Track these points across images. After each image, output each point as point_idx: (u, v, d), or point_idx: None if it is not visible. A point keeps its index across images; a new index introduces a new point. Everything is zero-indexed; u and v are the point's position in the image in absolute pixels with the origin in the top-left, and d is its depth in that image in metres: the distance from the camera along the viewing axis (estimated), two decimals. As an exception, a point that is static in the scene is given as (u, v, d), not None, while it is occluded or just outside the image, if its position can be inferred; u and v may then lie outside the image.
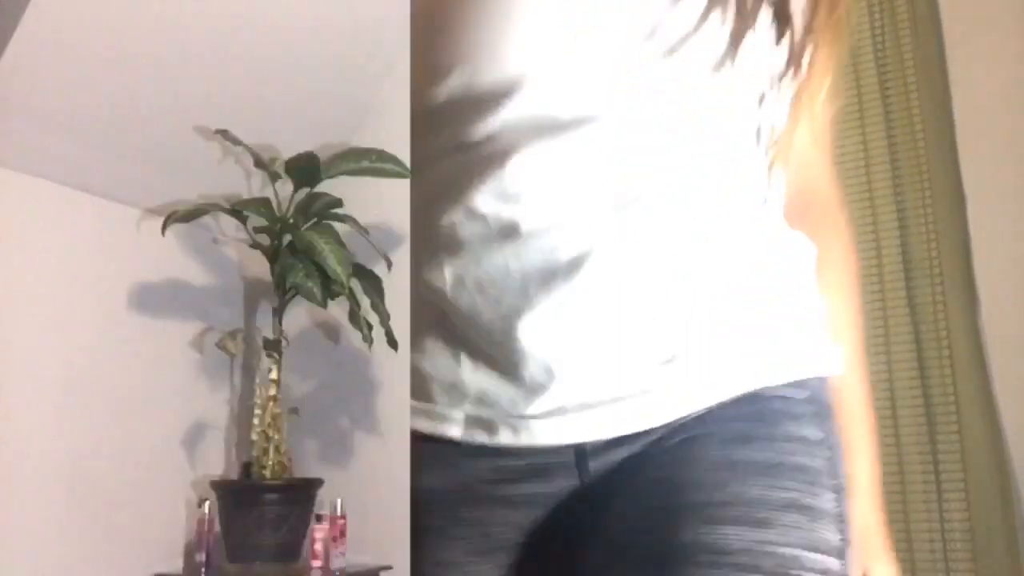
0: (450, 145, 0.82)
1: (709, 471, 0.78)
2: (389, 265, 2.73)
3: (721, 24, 0.78)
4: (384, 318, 2.65)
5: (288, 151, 2.74)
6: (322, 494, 2.66)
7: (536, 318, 0.79)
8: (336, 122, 3.09)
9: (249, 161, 2.76)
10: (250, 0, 2.58)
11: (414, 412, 0.91)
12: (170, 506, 2.68)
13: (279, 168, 2.68)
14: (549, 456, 0.84)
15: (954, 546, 2.06)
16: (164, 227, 2.53)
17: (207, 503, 2.57)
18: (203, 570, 2.51)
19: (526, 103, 0.78)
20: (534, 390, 0.82)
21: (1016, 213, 2.15)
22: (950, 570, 2.05)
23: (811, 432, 0.81)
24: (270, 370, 2.65)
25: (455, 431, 0.87)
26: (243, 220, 2.70)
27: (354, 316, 2.59)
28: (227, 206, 2.66)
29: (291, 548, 2.54)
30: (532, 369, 0.81)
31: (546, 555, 0.88)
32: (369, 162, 2.70)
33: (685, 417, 0.80)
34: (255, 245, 2.71)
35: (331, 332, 3.06)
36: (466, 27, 0.80)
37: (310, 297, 2.46)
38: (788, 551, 0.74)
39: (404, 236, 2.95)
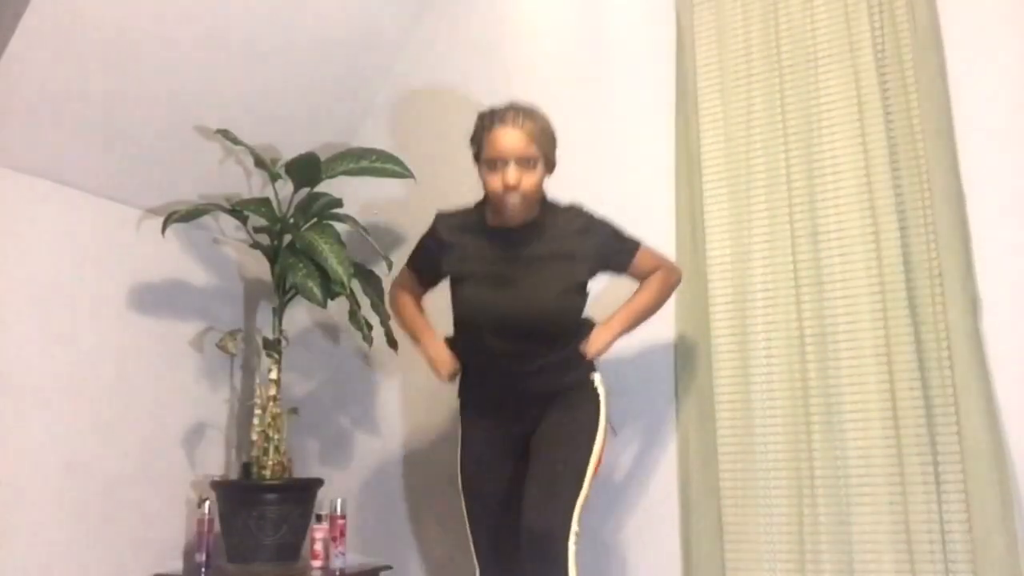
0: None
1: None
2: (389, 265, 2.73)
3: None
4: (384, 318, 2.65)
5: (288, 151, 2.74)
6: (322, 494, 2.66)
7: None
8: (336, 122, 3.09)
9: (249, 161, 2.76)
10: (251, 1, 2.58)
11: None
12: (170, 506, 2.68)
13: (279, 168, 2.68)
14: None
15: (954, 546, 2.06)
16: (164, 227, 2.53)
17: (207, 503, 2.58)
18: (203, 570, 2.51)
19: None
20: None
21: (1016, 213, 2.15)
22: (950, 571, 2.05)
23: None
24: (270, 370, 2.65)
25: None
26: (243, 220, 2.70)
27: (354, 316, 2.59)
28: (227, 206, 2.66)
29: (291, 548, 2.54)
30: None
31: None
32: (369, 162, 2.70)
33: None
34: (255, 245, 2.71)
35: (331, 332, 3.06)
36: None
37: (310, 297, 2.46)
38: None
39: (404, 236, 2.96)
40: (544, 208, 2.13)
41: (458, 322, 2.12)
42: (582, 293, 2.10)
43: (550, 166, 2.11)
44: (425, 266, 2.23)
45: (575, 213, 2.15)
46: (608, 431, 2.08)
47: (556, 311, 2.04)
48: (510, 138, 2.01)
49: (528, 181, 2.03)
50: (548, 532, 1.89)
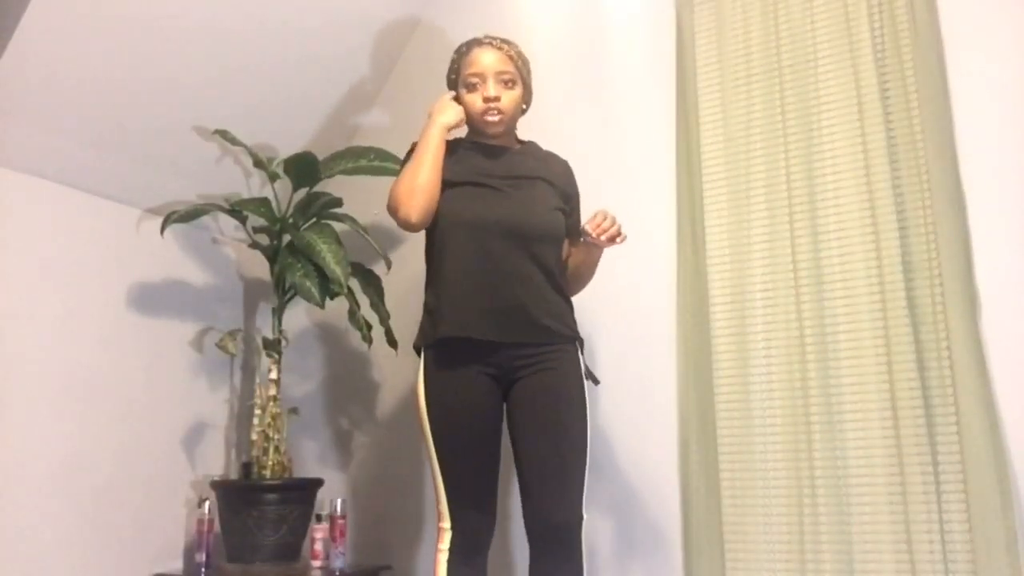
0: None
1: None
2: (388, 265, 2.73)
3: None
4: (383, 318, 2.65)
5: (287, 151, 2.74)
6: (322, 494, 2.66)
7: None
8: (335, 122, 3.09)
9: (248, 161, 2.76)
10: (249, 1, 2.58)
11: None
12: (170, 506, 2.68)
13: (278, 168, 2.68)
14: None
15: (954, 546, 2.06)
16: (164, 227, 2.53)
17: (207, 503, 2.58)
18: (203, 570, 2.51)
19: None
20: None
21: (1016, 213, 2.15)
22: (950, 571, 2.05)
23: None
24: (270, 370, 2.65)
25: None
26: (243, 220, 2.70)
27: (353, 316, 2.59)
28: (227, 206, 2.66)
29: (291, 548, 2.54)
30: None
31: None
32: (367, 161, 2.70)
33: None
34: (254, 245, 2.71)
35: (331, 332, 3.06)
36: None
37: (308, 297, 2.46)
38: None
39: (404, 236, 2.96)
40: (525, 143, 2.16)
41: (451, 227, 1.98)
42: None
43: (527, 96, 2.12)
44: None
45: (560, 160, 2.16)
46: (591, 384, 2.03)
47: (550, 224, 2.01)
48: (488, 56, 2.04)
49: (508, 98, 2.04)
50: (567, 523, 1.90)
